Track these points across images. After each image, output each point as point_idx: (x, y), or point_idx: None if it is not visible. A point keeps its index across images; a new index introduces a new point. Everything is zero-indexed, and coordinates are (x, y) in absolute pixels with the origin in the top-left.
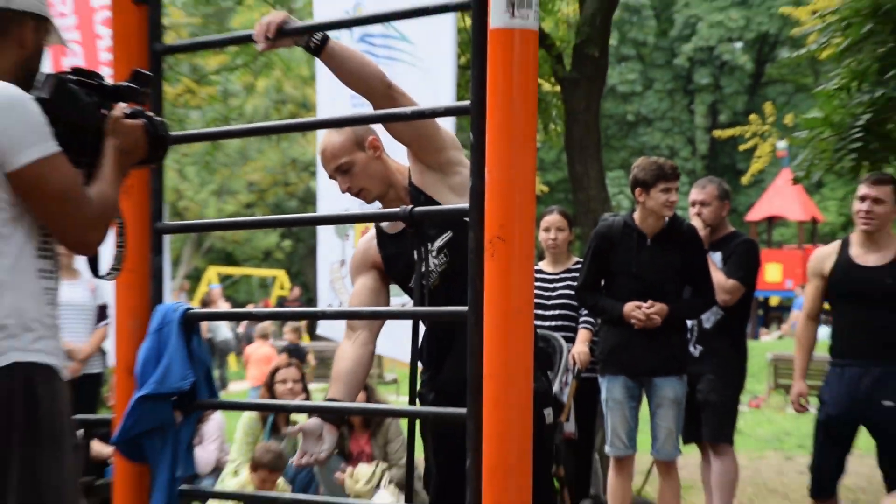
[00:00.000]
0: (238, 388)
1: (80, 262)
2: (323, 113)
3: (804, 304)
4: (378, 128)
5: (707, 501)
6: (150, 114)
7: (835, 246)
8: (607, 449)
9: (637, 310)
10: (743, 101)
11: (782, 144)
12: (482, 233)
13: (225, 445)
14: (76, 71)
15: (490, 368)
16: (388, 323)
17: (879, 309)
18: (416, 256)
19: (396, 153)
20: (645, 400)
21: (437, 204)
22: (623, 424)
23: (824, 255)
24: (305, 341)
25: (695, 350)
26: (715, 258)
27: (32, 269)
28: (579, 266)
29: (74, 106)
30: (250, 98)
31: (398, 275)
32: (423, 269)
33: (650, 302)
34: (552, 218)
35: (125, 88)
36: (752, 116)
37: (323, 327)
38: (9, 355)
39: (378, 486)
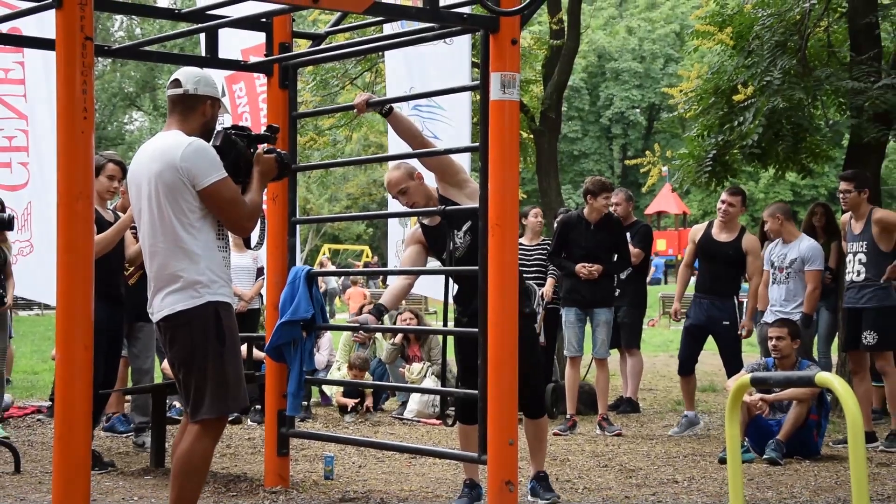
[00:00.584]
0: (341, 317)
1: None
2: (391, 151)
3: (684, 258)
4: (416, 164)
5: (623, 384)
6: (280, 150)
7: (704, 225)
8: (565, 352)
9: (584, 268)
10: (641, 143)
11: (665, 168)
12: (487, 222)
13: (333, 352)
14: (234, 126)
15: (492, 302)
16: (432, 279)
17: (723, 266)
18: (447, 238)
19: (430, 180)
20: (589, 322)
21: (457, 205)
22: (575, 336)
23: (697, 230)
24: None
25: (617, 292)
26: (627, 236)
27: (215, 246)
28: (547, 242)
29: (234, 148)
30: (349, 144)
31: (435, 250)
32: (452, 245)
33: (592, 264)
34: (534, 211)
35: (263, 135)
36: (648, 153)
37: (390, 280)
38: (205, 297)
39: (425, 376)
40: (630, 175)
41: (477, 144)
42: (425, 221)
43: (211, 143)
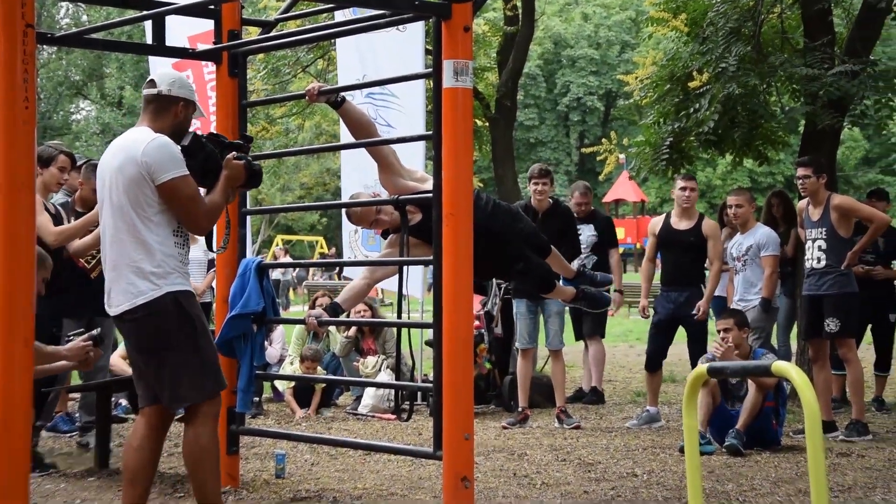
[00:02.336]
0: (295, 310)
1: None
2: (344, 140)
3: (646, 252)
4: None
5: (585, 374)
6: (250, 158)
7: (661, 217)
8: (517, 344)
9: None
10: (598, 131)
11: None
12: (441, 211)
13: (286, 346)
14: (210, 134)
15: (446, 293)
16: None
17: (685, 254)
18: (402, 227)
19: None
20: (541, 313)
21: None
22: (526, 328)
23: (656, 222)
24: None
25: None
26: (586, 228)
27: (172, 241)
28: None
29: (202, 151)
30: (302, 132)
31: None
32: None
33: None
34: None
35: (236, 143)
36: (604, 140)
37: (346, 271)
38: (163, 288)
39: (380, 370)
40: (587, 163)
41: (430, 133)
42: (414, 222)
43: (181, 143)
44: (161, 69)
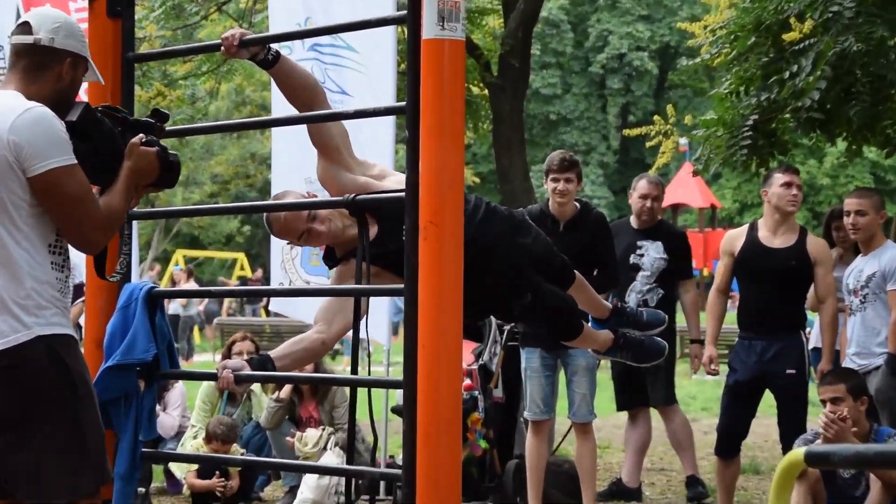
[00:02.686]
0: (202, 359)
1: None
2: (277, 113)
3: (715, 279)
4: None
5: (629, 459)
6: (166, 146)
7: (744, 228)
8: (526, 413)
9: None
10: (650, 104)
11: (683, 141)
12: (416, 218)
13: (187, 412)
14: (105, 107)
15: (423, 340)
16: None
17: (782, 287)
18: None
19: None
20: (563, 369)
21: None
22: (539, 391)
23: (735, 236)
24: (263, 316)
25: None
26: (652, 247)
27: (47, 260)
28: None
29: (98, 130)
30: (214, 101)
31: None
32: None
33: None
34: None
35: (144, 122)
36: (656, 117)
37: (275, 304)
38: (33, 330)
39: (325, 448)
40: (632, 150)
41: (403, 104)
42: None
43: (66, 117)
44: (38, 9)
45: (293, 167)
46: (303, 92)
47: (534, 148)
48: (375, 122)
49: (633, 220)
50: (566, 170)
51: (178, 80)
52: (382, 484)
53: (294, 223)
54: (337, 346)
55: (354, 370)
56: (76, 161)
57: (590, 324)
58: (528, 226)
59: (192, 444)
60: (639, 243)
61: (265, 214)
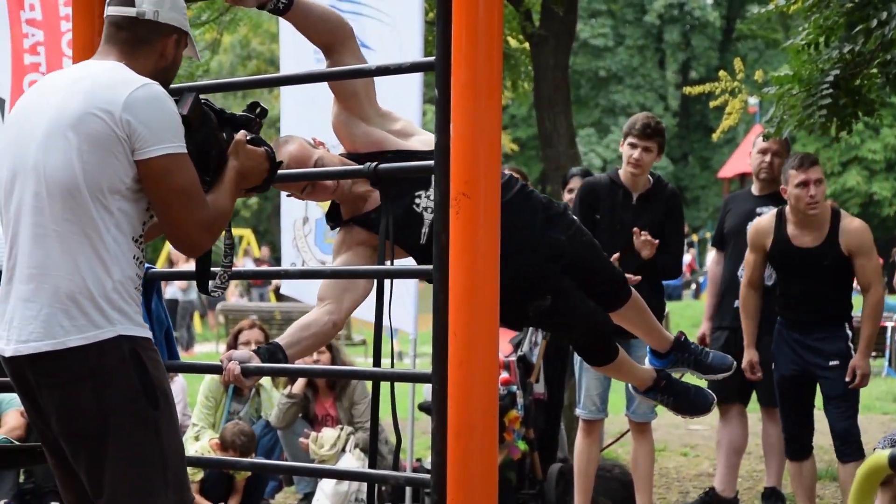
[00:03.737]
0: (204, 350)
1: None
2: (286, 69)
3: (745, 274)
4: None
5: (722, 464)
6: (268, 144)
7: (771, 219)
8: (578, 411)
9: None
10: (714, 58)
11: (753, 101)
12: (447, 189)
13: (187, 409)
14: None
15: (455, 327)
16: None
17: (819, 284)
18: (383, 212)
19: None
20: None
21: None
22: (597, 385)
23: (763, 231)
24: (272, 301)
25: (738, 302)
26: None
27: (130, 253)
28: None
29: (206, 126)
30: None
31: (406, 242)
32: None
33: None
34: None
35: (245, 116)
36: (722, 73)
37: (287, 287)
38: (116, 327)
39: (343, 450)
40: (694, 111)
41: (432, 59)
42: (362, 212)
43: (178, 108)
44: None
45: (305, 131)
46: (326, 32)
47: (581, 109)
48: (400, 80)
49: (753, 186)
50: (648, 137)
51: None
52: (408, 490)
53: (302, 161)
54: (361, 337)
55: (377, 362)
56: (187, 152)
57: (647, 356)
58: (568, 221)
59: (195, 446)
60: (758, 210)
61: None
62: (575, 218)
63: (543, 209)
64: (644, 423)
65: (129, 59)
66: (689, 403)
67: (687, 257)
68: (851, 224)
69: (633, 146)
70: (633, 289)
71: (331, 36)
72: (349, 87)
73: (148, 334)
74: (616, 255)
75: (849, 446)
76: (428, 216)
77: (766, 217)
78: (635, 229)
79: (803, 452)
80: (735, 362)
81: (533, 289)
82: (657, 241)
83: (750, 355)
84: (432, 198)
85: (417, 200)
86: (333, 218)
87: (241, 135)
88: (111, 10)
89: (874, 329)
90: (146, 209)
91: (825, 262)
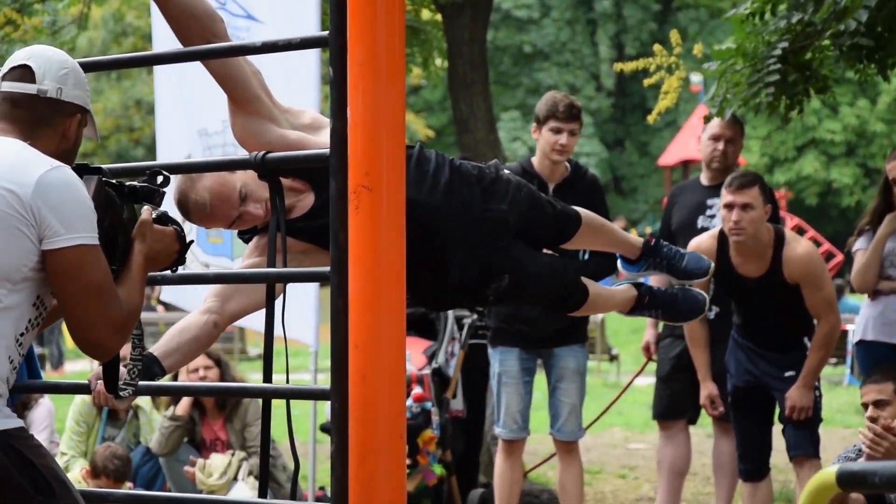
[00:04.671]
0: (75, 368)
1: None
2: (160, 45)
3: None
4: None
5: (662, 488)
6: (173, 218)
7: (713, 242)
8: (497, 430)
9: None
10: (651, 31)
11: (697, 78)
12: (345, 182)
13: (55, 436)
14: (81, 166)
15: (356, 337)
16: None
17: (769, 313)
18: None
19: None
20: (545, 372)
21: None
22: (517, 402)
23: (705, 252)
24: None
25: (710, 313)
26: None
27: (5, 355)
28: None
29: (112, 210)
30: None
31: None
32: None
33: None
34: None
35: (144, 189)
36: (657, 47)
37: (167, 293)
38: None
39: (235, 478)
40: (631, 91)
41: (325, 34)
42: (301, 209)
43: None
44: (38, 48)
45: (183, 116)
46: (191, 17)
47: (502, 90)
48: (294, 59)
49: (702, 175)
50: (574, 118)
51: (34, 4)
52: None
53: (223, 208)
54: (255, 350)
55: (268, 377)
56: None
57: (619, 262)
58: (503, 185)
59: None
60: (709, 202)
61: (176, 198)
62: (507, 174)
63: (477, 181)
64: (571, 443)
65: (30, 140)
66: (679, 311)
67: None
68: (794, 252)
69: (557, 131)
70: (578, 211)
71: (199, 31)
72: (246, 87)
73: (18, 423)
74: None
75: (805, 446)
76: None
77: (706, 237)
78: None
79: (759, 473)
80: (711, 265)
81: (488, 271)
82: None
83: (707, 389)
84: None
85: None
86: (246, 236)
87: (146, 214)
88: (7, 86)
89: (821, 360)
90: (34, 304)
91: (771, 294)
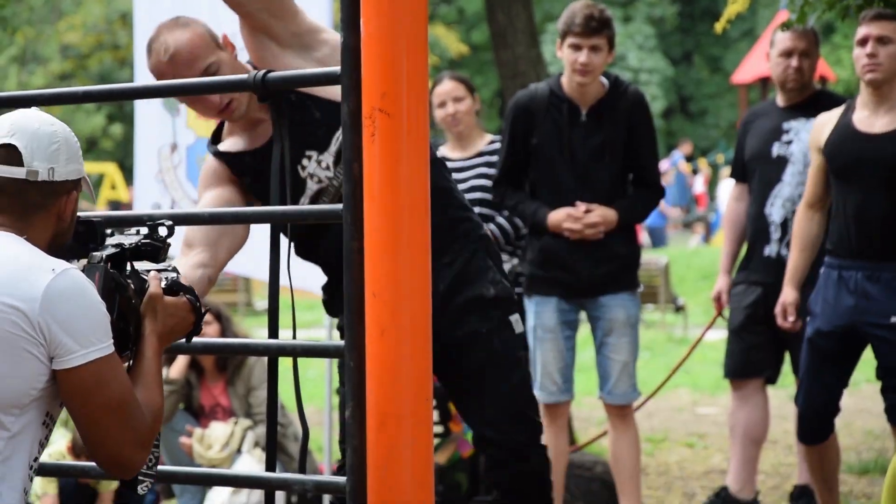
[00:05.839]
0: None
1: None
2: None
3: (806, 188)
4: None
5: (735, 457)
6: (184, 281)
7: (838, 110)
8: (536, 393)
9: (570, 218)
10: None
11: None
12: (359, 104)
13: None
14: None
15: (374, 285)
16: (254, 238)
17: (885, 190)
18: (294, 168)
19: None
20: (590, 324)
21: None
22: (558, 360)
23: (823, 123)
24: None
25: (770, 249)
26: (806, 127)
27: (21, 488)
28: (497, 146)
29: (119, 296)
30: None
31: (262, 195)
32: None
33: (585, 206)
34: (444, 87)
35: (147, 246)
36: None
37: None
38: None
39: (239, 450)
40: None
41: None
42: (238, 144)
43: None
44: (19, 119)
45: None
46: None
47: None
48: None
49: (778, 96)
50: (593, 32)
51: None
52: (327, 500)
53: (192, 54)
54: (262, 303)
55: (273, 332)
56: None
57: None
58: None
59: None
60: (784, 126)
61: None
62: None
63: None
64: (623, 407)
65: (23, 230)
66: None
67: (698, 185)
68: None
69: (576, 47)
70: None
71: None
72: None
73: None
74: (583, 208)
75: None
76: (312, 185)
77: (831, 111)
78: (578, 208)
79: (823, 433)
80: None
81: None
82: (595, 210)
83: (787, 295)
84: (324, 164)
85: (305, 161)
86: (215, 140)
87: (154, 286)
88: None
89: None
90: (43, 422)
91: None
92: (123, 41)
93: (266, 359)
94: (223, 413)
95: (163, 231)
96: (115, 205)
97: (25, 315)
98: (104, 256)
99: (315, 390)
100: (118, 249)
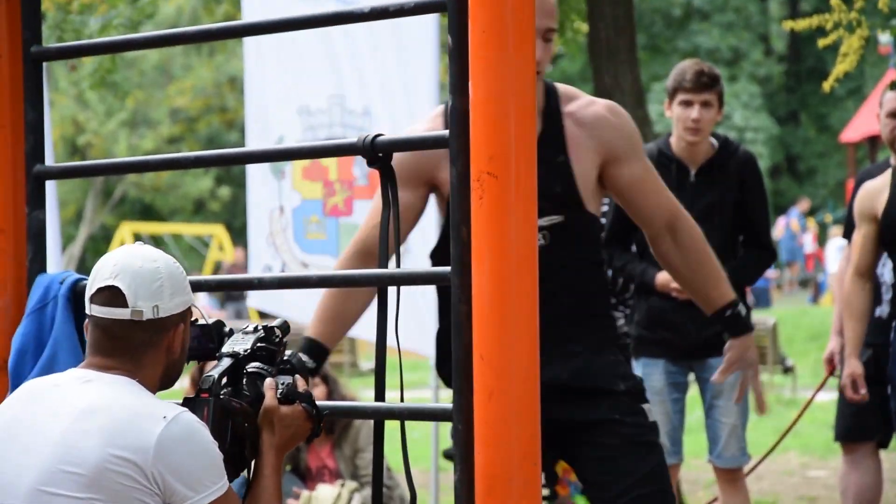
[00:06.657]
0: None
1: None
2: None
3: (852, 257)
4: None
5: None
6: (303, 387)
7: (886, 176)
8: None
9: None
10: None
11: (885, 38)
12: (468, 168)
13: None
14: (202, 330)
15: (482, 348)
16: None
17: None
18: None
19: None
20: (699, 386)
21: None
22: (665, 423)
23: (875, 190)
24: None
25: (882, 310)
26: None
27: None
28: (606, 208)
29: (233, 423)
30: None
31: None
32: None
33: None
34: None
35: (262, 351)
36: (835, 1)
37: (255, 299)
38: None
39: None
40: (807, 54)
41: None
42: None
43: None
44: (122, 258)
45: (278, 93)
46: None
47: (653, 57)
48: (412, 25)
49: (892, 157)
50: (704, 88)
51: None
52: None
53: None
54: (368, 364)
55: (380, 394)
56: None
57: None
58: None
59: None
60: None
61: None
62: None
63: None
64: (734, 470)
65: (134, 370)
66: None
67: (808, 244)
68: None
69: (687, 104)
70: None
71: None
72: None
73: None
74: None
75: None
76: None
77: (879, 177)
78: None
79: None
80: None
81: None
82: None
83: (855, 367)
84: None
85: None
86: None
87: (269, 397)
88: (97, 311)
89: None
90: None
91: None
92: (231, 104)
93: (373, 420)
94: (330, 475)
95: (277, 332)
96: (219, 265)
97: (139, 467)
98: (216, 378)
99: (420, 451)
100: (232, 360)
